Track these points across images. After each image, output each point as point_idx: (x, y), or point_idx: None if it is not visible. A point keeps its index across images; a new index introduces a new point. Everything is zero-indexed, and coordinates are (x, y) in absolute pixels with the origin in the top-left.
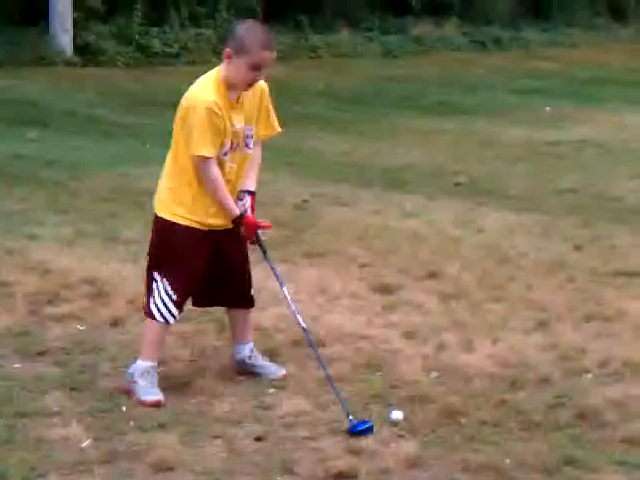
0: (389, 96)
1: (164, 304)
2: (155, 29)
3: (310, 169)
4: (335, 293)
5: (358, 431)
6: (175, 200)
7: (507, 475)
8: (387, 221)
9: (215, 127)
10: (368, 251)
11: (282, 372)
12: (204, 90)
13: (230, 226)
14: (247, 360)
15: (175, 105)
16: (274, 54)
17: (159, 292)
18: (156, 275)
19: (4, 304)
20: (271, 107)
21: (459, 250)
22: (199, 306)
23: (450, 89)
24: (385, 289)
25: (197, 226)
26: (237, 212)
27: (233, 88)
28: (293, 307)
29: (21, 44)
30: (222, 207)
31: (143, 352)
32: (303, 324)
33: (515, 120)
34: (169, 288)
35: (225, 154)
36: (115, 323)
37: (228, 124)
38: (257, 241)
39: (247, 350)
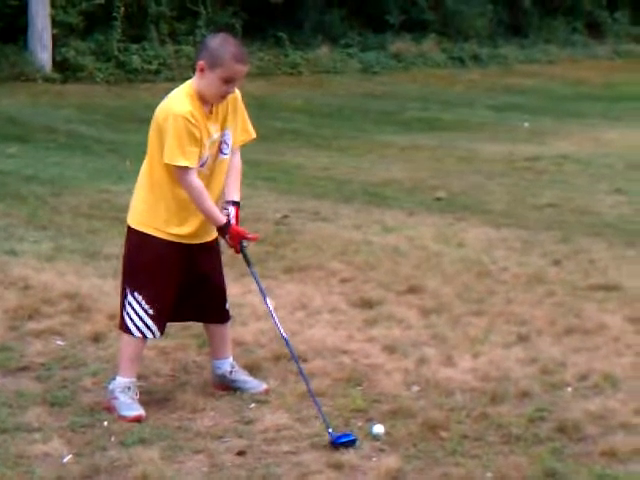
0: (369, 112)
1: (140, 318)
2: (134, 46)
3: (290, 185)
4: (316, 308)
5: (340, 443)
6: (150, 213)
7: None
8: (367, 236)
9: (192, 136)
10: (348, 266)
11: (263, 387)
12: (178, 102)
13: (204, 240)
14: (228, 375)
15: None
16: (247, 67)
17: (133, 307)
18: (129, 289)
19: None
20: (245, 113)
21: (439, 265)
22: (174, 321)
23: (429, 105)
24: (366, 304)
25: (172, 239)
26: (223, 221)
27: (206, 100)
28: (275, 318)
29: (0, 61)
30: (207, 217)
31: (121, 368)
32: (284, 334)
33: (494, 136)
34: (143, 302)
35: (202, 165)
36: (96, 338)
37: (205, 135)
38: (242, 252)
39: (227, 365)
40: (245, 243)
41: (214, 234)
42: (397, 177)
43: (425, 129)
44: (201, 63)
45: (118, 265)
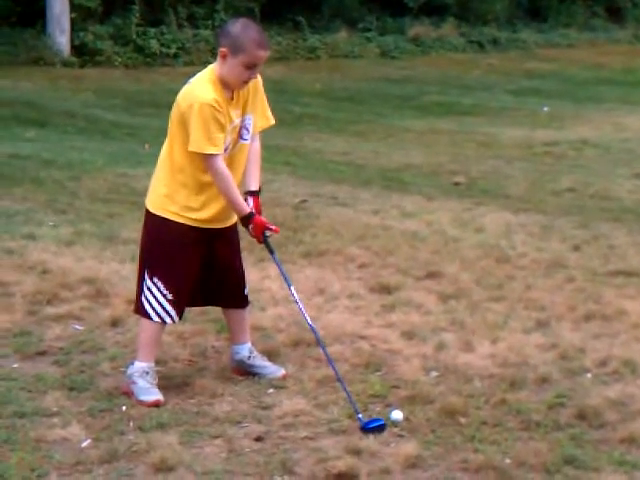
0: (387, 96)
1: (159, 303)
2: (153, 30)
3: (309, 169)
4: (334, 293)
5: (370, 428)
6: (170, 198)
7: (507, 475)
8: (386, 221)
9: (218, 123)
10: (367, 251)
11: (282, 372)
12: (202, 89)
13: (224, 225)
14: (246, 360)
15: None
16: (268, 52)
17: (152, 291)
18: (148, 274)
19: (3, 304)
20: (265, 99)
21: (458, 250)
22: (192, 306)
23: (448, 89)
24: (384, 289)
25: (191, 223)
26: (247, 211)
27: (228, 86)
28: (301, 306)
29: (19, 45)
30: (233, 205)
31: (140, 353)
32: (311, 323)
33: (513, 120)
34: (162, 287)
35: (225, 150)
36: (114, 323)
37: (227, 120)
38: (265, 242)
39: (246, 350)
40: (268, 233)
41: (233, 219)
42: (415, 162)
43: (444, 114)
44: (223, 50)
45: (136, 250)
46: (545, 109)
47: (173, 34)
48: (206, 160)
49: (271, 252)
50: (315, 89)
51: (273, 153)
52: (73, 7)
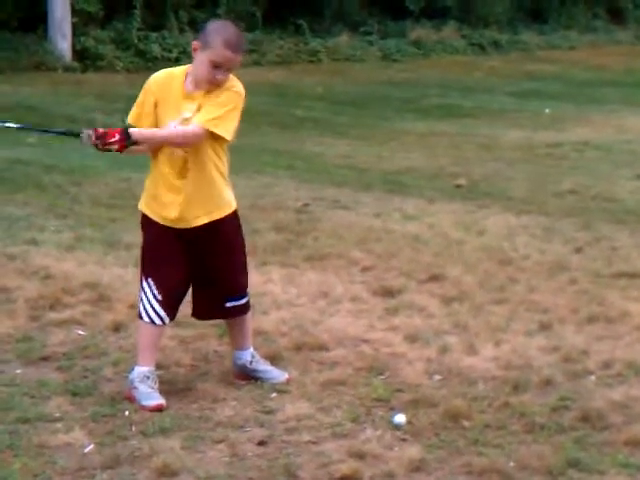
0: (389, 100)
1: (150, 305)
2: (154, 34)
3: (310, 173)
4: (337, 297)
5: None
6: (147, 194)
7: (511, 478)
8: (388, 224)
9: (140, 98)
10: (369, 254)
11: (285, 376)
12: (164, 69)
13: (189, 225)
14: (248, 365)
15: None
16: (239, 57)
17: (145, 293)
18: (143, 275)
19: (5, 309)
20: (220, 104)
21: (460, 253)
22: (199, 319)
23: (449, 92)
24: (387, 292)
25: (164, 222)
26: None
27: (196, 83)
28: None
29: (20, 50)
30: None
31: (139, 357)
32: None
33: (515, 122)
34: (154, 288)
35: None
36: (117, 328)
37: (170, 109)
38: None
39: (248, 355)
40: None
41: (200, 221)
42: (417, 165)
43: (445, 116)
44: (195, 43)
45: (139, 254)
46: (547, 111)
47: (174, 38)
48: None
49: None
50: (317, 93)
51: (274, 157)
52: (74, 12)
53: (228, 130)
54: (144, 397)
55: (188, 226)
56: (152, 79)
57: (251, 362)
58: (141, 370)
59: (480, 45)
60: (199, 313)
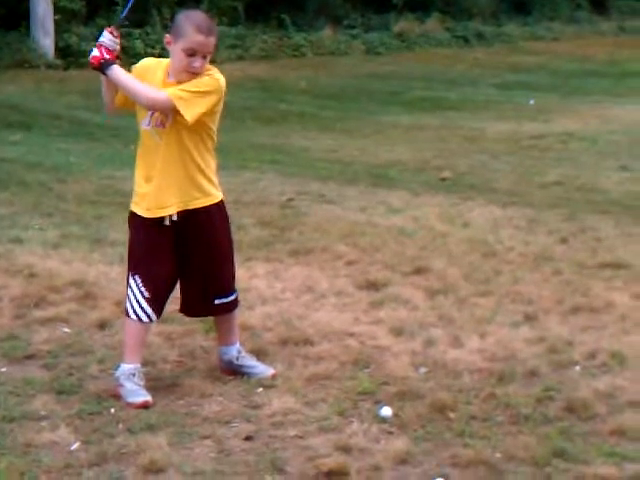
0: (373, 93)
1: (137, 302)
2: (137, 31)
3: (295, 167)
4: (322, 291)
5: None
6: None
7: (497, 469)
8: (373, 218)
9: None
10: (354, 248)
11: (271, 371)
12: (152, 58)
13: (164, 213)
14: (235, 361)
15: None
16: (212, 39)
17: (132, 290)
18: (129, 272)
19: None
20: (193, 84)
21: (445, 245)
22: (186, 315)
23: (434, 84)
24: (372, 286)
25: (140, 212)
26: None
27: (175, 75)
28: None
29: (2, 48)
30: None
31: (125, 354)
32: None
33: (499, 114)
34: (141, 285)
35: (148, 124)
36: (102, 325)
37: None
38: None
39: (234, 351)
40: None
41: (171, 210)
42: (402, 158)
43: (430, 109)
44: (167, 37)
45: (124, 251)
46: (531, 102)
47: (157, 35)
48: None
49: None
50: (301, 87)
51: (259, 152)
52: (57, 9)
53: (191, 112)
54: (130, 394)
55: (163, 214)
56: (140, 62)
57: (237, 358)
58: (127, 367)
59: (464, 37)
60: (187, 310)
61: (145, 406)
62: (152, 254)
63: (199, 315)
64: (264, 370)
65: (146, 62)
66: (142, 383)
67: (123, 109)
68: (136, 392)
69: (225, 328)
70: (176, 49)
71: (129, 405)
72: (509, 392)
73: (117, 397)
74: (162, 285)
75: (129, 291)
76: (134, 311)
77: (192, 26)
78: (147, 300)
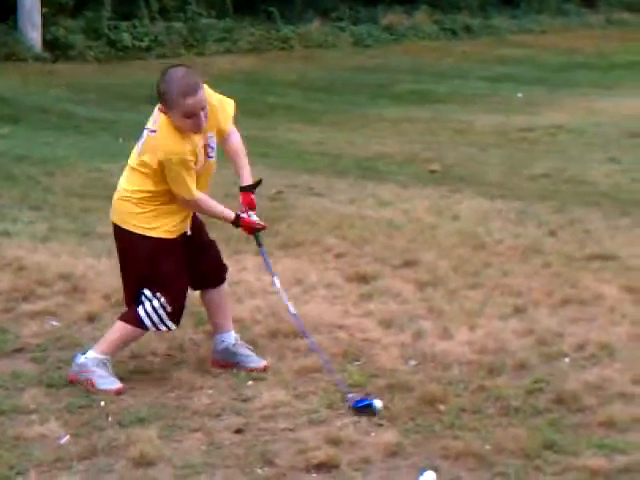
0: (361, 85)
1: (159, 316)
2: (125, 23)
3: (284, 160)
4: (311, 283)
5: (360, 407)
6: (150, 217)
7: (487, 461)
8: (362, 210)
9: (192, 170)
10: (344, 241)
11: (263, 363)
12: (174, 141)
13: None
14: (231, 348)
15: (147, 98)
16: (199, 96)
17: (155, 308)
18: (148, 292)
19: None
20: (217, 97)
21: (435, 238)
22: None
23: (422, 77)
24: (361, 278)
25: (171, 236)
26: (232, 216)
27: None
28: (285, 297)
29: None
30: (219, 218)
31: (104, 347)
32: (294, 311)
33: (487, 107)
34: (165, 303)
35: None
36: (91, 318)
37: (197, 151)
38: (255, 238)
39: (232, 338)
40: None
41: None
42: (391, 150)
43: (418, 101)
44: (161, 107)
45: (112, 244)
46: (519, 95)
47: (145, 27)
48: (192, 202)
49: (259, 245)
50: (289, 79)
51: (247, 144)
52: (44, 2)
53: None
54: (104, 381)
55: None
56: (188, 154)
57: (234, 344)
58: (100, 357)
59: (452, 30)
60: (202, 281)
61: (121, 392)
62: (178, 270)
63: (216, 282)
64: (257, 361)
65: (185, 157)
66: (112, 371)
67: None
68: (110, 379)
69: (220, 312)
70: (175, 117)
71: (104, 392)
72: (499, 384)
73: (80, 383)
74: (183, 297)
75: (149, 309)
76: (154, 324)
77: (178, 95)
78: (169, 314)
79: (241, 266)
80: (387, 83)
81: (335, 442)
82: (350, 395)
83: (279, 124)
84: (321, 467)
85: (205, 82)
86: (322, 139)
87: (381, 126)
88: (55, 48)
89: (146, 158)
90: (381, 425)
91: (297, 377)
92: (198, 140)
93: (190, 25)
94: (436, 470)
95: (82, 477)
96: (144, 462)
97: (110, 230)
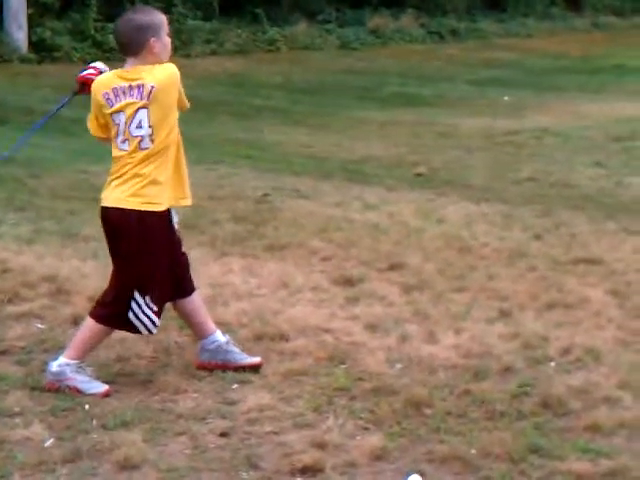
0: (348, 88)
1: (147, 317)
2: (111, 24)
3: (270, 162)
4: (297, 286)
5: None
6: (147, 186)
7: (473, 465)
8: (348, 213)
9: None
10: (329, 244)
11: (258, 359)
12: (165, 65)
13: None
14: (224, 346)
15: None
16: None
17: (142, 308)
18: (137, 294)
19: None
20: None
21: (420, 241)
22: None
23: (408, 80)
24: (347, 281)
25: (167, 206)
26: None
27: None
28: None
29: None
30: None
31: (76, 351)
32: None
33: (474, 110)
34: (150, 301)
35: None
36: (75, 321)
37: None
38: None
39: (221, 336)
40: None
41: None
42: (377, 153)
43: (404, 104)
44: (153, 40)
45: (98, 246)
46: (505, 99)
47: None
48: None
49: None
50: (275, 81)
51: (233, 147)
52: (30, 3)
53: None
54: (88, 386)
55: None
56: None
57: (227, 342)
58: (74, 363)
59: (438, 33)
60: (178, 293)
61: (109, 394)
62: (159, 260)
63: (186, 294)
64: (251, 358)
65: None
66: (93, 375)
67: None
68: (93, 383)
69: (200, 316)
70: (162, 42)
71: (93, 396)
72: (484, 388)
73: (57, 390)
74: (167, 295)
75: (137, 310)
76: (145, 326)
77: (161, 15)
78: (156, 313)
79: (227, 268)
80: (373, 86)
81: (320, 446)
82: None
83: (265, 126)
84: (306, 471)
85: (191, 84)
86: (308, 142)
87: (367, 129)
88: (41, 49)
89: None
90: (367, 429)
91: (283, 380)
92: None
93: (176, 27)
94: (422, 474)
95: None
96: (128, 465)
97: (95, 232)
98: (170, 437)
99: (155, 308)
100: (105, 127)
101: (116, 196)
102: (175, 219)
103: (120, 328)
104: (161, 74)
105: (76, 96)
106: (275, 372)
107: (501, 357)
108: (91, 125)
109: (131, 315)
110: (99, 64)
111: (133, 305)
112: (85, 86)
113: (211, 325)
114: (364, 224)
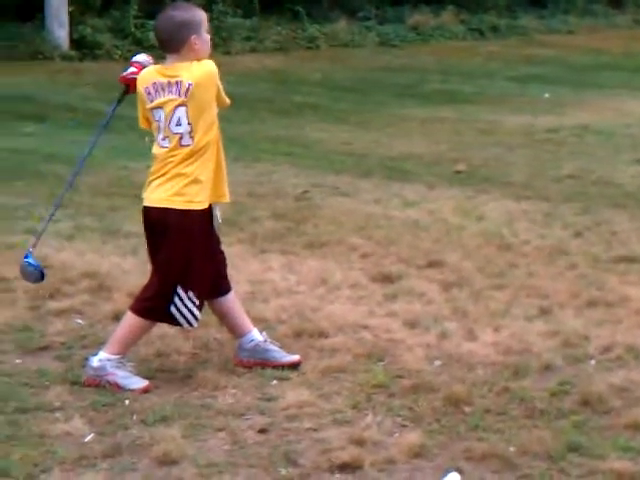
0: (388, 85)
1: (190, 311)
2: (151, 22)
3: (310, 159)
4: (336, 283)
5: None
6: (189, 185)
7: (511, 463)
8: (387, 210)
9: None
10: (369, 241)
11: (297, 357)
12: (202, 62)
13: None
14: (262, 344)
15: None
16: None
17: (183, 301)
18: (180, 289)
19: (5, 299)
20: None
21: (460, 238)
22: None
23: (449, 77)
24: (386, 278)
25: (208, 204)
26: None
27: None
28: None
29: (17, 39)
30: None
31: (116, 347)
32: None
33: (514, 107)
34: (193, 296)
35: None
36: (116, 317)
37: None
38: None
39: (259, 335)
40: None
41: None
42: (417, 150)
43: (445, 101)
44: (193, 38)
45: (138, 243)
46: (546, 95)
47: None
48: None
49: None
50: (315, 79)
51: (273, 144)
52: (71, 1)
53: None
54: (129, 381)
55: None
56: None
57: (265, 341)
58: (115, 358)
59: (479, 30)
60: (213, 291)
61: (149, 390)
62: (202, 255)
63: (224, 292)
64: (290, 356)
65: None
66: (134, 371)
67: None
68: (134, 379)
69: (237, 315)
70: (202, 38)
71: (133, 392)
72: (524, 386)
73: (97, 386)
74: (207, 292)
75: (179, 303)
76: (186, 320)
77: (201, 12)
78: (198, 307)
79: (266, 265)
80: (414, 83)
81: (359, 442)
82: None
83: (305, 123)
84: (345, 467)
85: (231, 81)
86: (348, 139)
87: (407, 126)
88: (82, 47)
89: (197, 106)
90: (405, 426)
91: (321, 377)
92: None
93: (216, 24)
94: (460, 472)
95: (106, 475)
96: (167, 461)
97: (136, 229)
98: (209, 433)
99: (197, 302)
100: (149, 120)
101: (158, 196)
102: (218, 214)
103: (161, 320)
104: (198, 71)
105: (127, 96)
106: (314, 369)
107: (541, 355)
108: (139, 116)
109: (173, 308)
110: (141, 57)
111: (175, 299)
112: (129, 86)
113: (248, 324)
114: (403, 221)
